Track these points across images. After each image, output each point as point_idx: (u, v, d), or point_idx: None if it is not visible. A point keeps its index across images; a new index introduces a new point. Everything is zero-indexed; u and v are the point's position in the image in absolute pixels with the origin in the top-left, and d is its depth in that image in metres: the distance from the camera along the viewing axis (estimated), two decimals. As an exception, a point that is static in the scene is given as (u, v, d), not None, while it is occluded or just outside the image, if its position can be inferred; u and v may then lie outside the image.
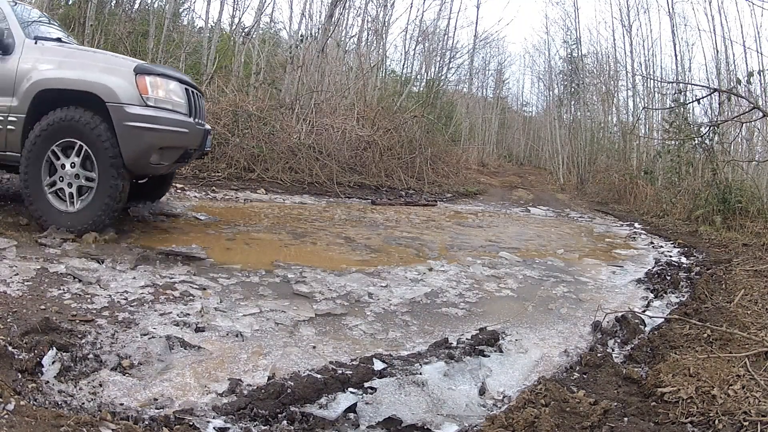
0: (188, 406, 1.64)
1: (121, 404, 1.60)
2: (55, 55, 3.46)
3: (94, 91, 3.26)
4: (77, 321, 2.07)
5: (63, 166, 3.30)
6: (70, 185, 3.31)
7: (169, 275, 2.83)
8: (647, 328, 2.78)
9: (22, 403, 1.38)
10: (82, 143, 3.26)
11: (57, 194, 3.34)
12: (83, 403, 1.57)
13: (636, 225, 8.29)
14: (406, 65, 14.59)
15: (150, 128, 3.30)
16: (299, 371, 1.92)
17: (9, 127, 3.36)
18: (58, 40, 3.76)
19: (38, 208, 3.32)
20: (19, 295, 2.22)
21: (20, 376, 1.58)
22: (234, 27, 11.62)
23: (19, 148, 3.37)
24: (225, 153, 7.56)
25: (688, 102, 8.45)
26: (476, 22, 21.73)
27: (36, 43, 3.46)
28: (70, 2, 8.82)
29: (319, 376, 1.87)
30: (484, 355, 2.29)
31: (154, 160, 3.40)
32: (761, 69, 8.32)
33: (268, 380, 1.83)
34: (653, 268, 4.60)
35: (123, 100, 3.25)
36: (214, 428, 1.56)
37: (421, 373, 2.01)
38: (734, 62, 10.32)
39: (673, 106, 8.82)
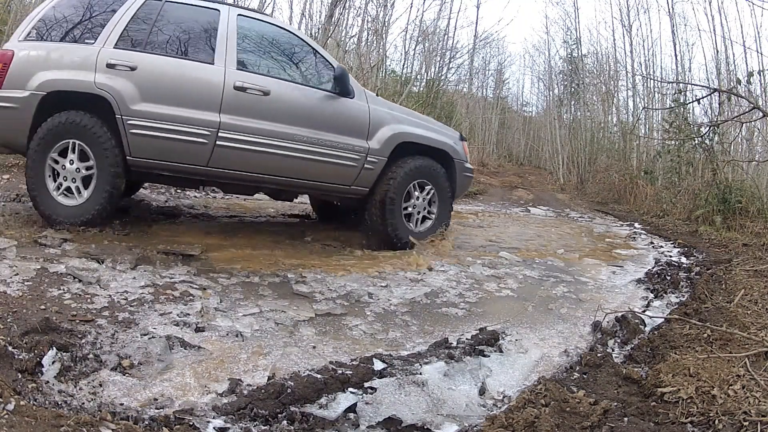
0: (188, 406, 1.64)
1: (121, 404, 1.60)
2: (392, 109, 4.15)
3: (446, 149, 4.23)
4: (77, 321, 2.07)
5: (418, 198, 4.12)
6: (418, 213, 4.15)
7: (169, 275, 2.83)
8: (647, 328, 2.78)
9: (22, 403, 1.38)
10: (431, 185, 4.13)
11: (408, 216, 4.10)
12: (83, 403, 1.57)
13: (636, 225, 8.27)
14: (406, 65, 14.54)
15: (470, 176, 4.66)
16: (299, 371, 1.92)
17: (366, 166, 3.81)
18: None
19: (398, 227, 3.98)
20: (19, 295, 2.22)
21: (20, 376, 1.58)
22: (234, 27, 11.61)
23: (369, 184, 3.92)
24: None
25: (688, 102, 8.43)
26: (476, 22, 21.57)
27: (377, 95, 4.24)
28: (70, 2, 8.82)
29: (319, 376, 1.87)
30: (484, 355, 2.29)
31: None
32: (761, 69, 8.29)
33: (268, 380, 1.84)
34: (653, 268, 4.60)
35: (461, 158, 4.38)
36: (214, 428, 1.56)
37: (421, 373, 2.01)
38: (734, 62, 10.29)
39: (673, 106, 8.80)
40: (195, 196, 5.84)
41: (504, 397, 1.97)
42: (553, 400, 1.76)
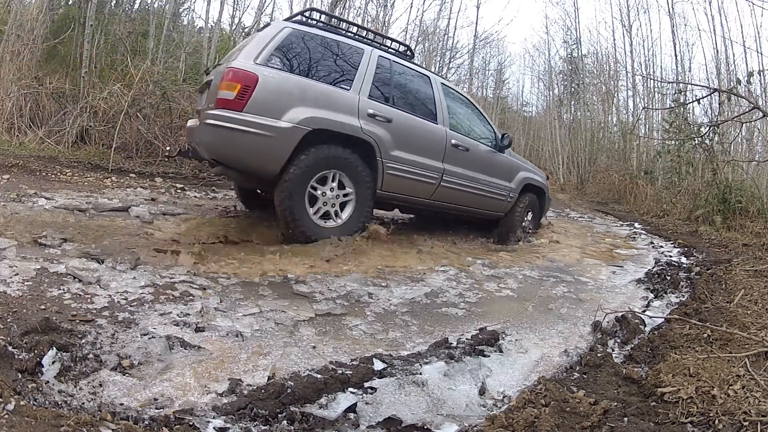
0: (188, 406, 1.64)
1: (121, 404, 1.60)
2: (519, 160, 5.61)
3: (543, 187, 5.90)
4: (77, 321, 2.07)
5: (528, 218, 5.74)
6: (527, 226, 5.68)
7: (169, 275, 2.83)
8: (647, 328, 2.78)
9: (22, 403, 1.38)
10: (532, 212, 5.81)
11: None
12: (83, 403, 1.57)
13: (636, 225, 8.29)
14: (406, 65, 14.56)
15: (550, 200, 6.53)
16: (299, 371, 1.92)
17: (509, 200, 5.31)
18: None
19: (520, 234, 5.47)
20: (19, 295, 2.22)
21: (20, 376, 1.58)
22: (234, 27, 11.62)
23: (506, 211, 5.36)
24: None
25: (688, 102, 8.44)
26: (476, 22, 21.68)
27: (513, 150, 5.52)
28: (70, 2, 8.80)
29: (319, 376, 1.87)
30: (484, 355, 2.29)
31: None
32: (761, 69, 8.32)
33: (268, 380, 1.84)
34: (653, 268, 4.60)
35: (547, 190, 6.14)
36: (214, 428, 1.56)
37: (421, 373, 2.01)
38: (734, 62, 10.30)
39: (673, 106, 8.81)
40: (195, 196, 5.85)
41: (504, 397, 1.97)
42: (553, 400, 1.76)
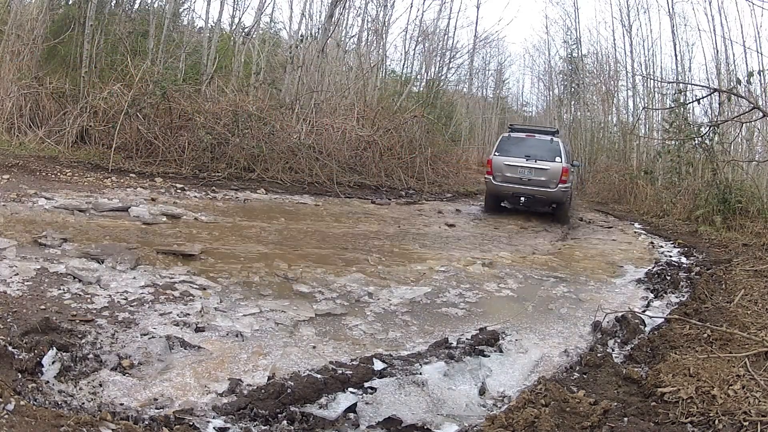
0: (188, 406, 1.65)
1: (121, 404, 1.60)
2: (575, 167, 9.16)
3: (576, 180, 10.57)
4: (77, 321, 2.07)
5: None
6: None
7: (169, 275, 2.83)
8: (647, 328, 2.78)
9: (22, 403, 1.38)
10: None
11: None
12: (83, 403, 1.57)
13: (636, 225, 8.29)
14: (406, 65, 14.58)
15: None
16: (299, 371, 1.92)
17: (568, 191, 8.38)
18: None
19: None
20: (19, 295, 2.22)
21: (20, 376, 1.58)
22: (234, 27, 11.61)
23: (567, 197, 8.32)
24: (225, 153, 7.54)
25: (688, 102, 8.41)
26: (476, 22, 21.60)
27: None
28: (70, 2, 8.78)
29: (319, 376, 1.87)
30: (484, 355, 2.29)
31: None
32: (761, 69, 8.28)
33: (268, 380, 1.84)
34: (653, 268, 4.60)
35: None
36: (214, 428, 1.56)
37: (421, 373, 2.02)
38: (734, 62, 10.26)
39: (673, 106, 8.79)
40: (195, 197, 5.84)
41: (504, 397, 1.97)
42: (553, 400, 1.76)
